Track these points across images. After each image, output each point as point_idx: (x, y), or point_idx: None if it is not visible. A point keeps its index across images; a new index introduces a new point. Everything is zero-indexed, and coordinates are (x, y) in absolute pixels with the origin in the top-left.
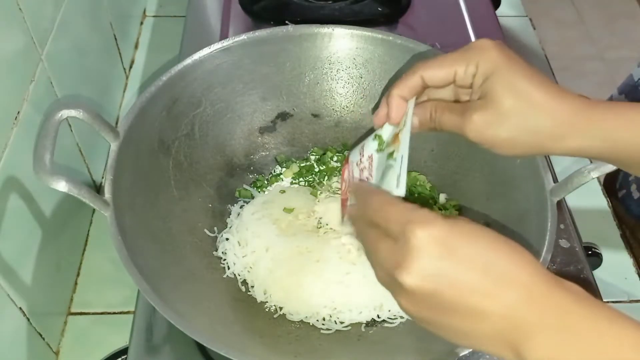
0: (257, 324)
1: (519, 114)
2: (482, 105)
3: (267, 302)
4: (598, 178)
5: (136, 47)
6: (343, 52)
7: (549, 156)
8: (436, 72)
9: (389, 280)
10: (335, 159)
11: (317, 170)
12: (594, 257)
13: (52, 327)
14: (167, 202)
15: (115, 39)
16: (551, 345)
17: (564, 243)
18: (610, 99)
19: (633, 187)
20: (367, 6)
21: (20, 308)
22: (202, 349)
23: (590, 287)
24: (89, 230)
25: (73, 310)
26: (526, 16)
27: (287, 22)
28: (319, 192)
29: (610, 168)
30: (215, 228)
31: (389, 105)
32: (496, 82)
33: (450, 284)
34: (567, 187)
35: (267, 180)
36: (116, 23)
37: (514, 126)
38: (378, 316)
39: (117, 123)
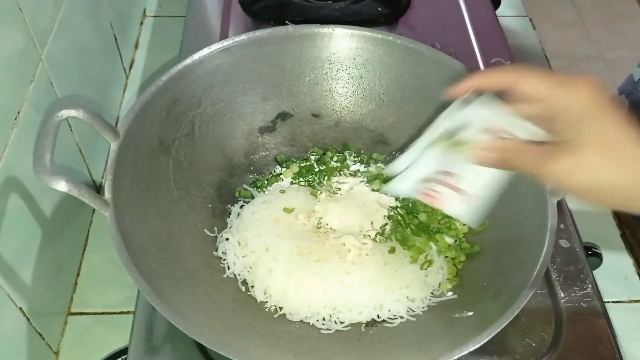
0: (257, 324)
1: (602, 166)
2: (564, 152)
3: (267, 302)
4: None
5: (136, 47)
6: (343, 52)
7: None
8: (536, 82)
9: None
10: (335, 159)
11: (317, 170)
12: (594, 257)
13: (52, 327)
14: (167, 202)
15: (115, 39)
16: None
17: (564, 243)
18: None
19: None
20: (367, 6)
21: (20, 308)
22: (202, 349)
23: (590, 287)
24: (89, 230)
25: (73, 310)
26: (526, 16)
27: (287, 22)
28: (319, 192)
29: None
30: (215, 228)
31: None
32: (584, 131)
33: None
34: None
35: (267, 180)
36: (116, 23)
37: (594, 179)
38: (378, 316)
39: (117, 123)
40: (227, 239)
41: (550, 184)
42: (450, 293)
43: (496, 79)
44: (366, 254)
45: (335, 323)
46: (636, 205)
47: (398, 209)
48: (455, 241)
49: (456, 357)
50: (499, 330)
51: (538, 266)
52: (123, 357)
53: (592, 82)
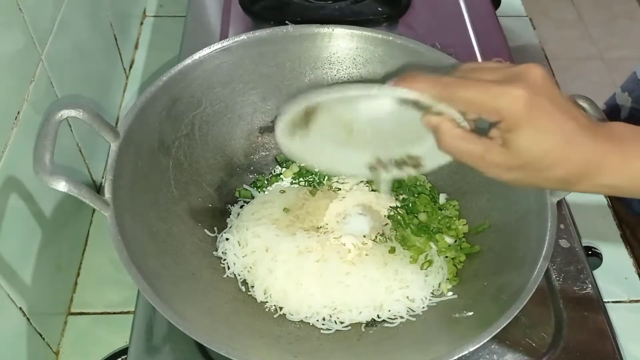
0: (257, 324)
1: (539, 168)
2: (505, 153)
3: (267, 302)
4: None
5: (136, 47)
6: (343, 52)
7: None
8: (461, 107)
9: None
10: None
11: (317, 170)
12: (594, 257)
13: (52, 327)
14: (167, 202)
15: (115, 39)
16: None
17: (564, 243)
18: (614, 96)
19: None
20: (367, 6)
21: (20, 308)
22: (202, 349)
23: (590, 287)
24: (89, 230)
25: (73, 310)
26: (526, 16)
27: (287, 22)
28: (318, 192)
29: None
30: (215, 228)
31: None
32: (520, 137)
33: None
34: None
35: (267, 180)
36: (116, 23)
37: (532, 176)
38: (378, 316)
39: (117, 123)
40: (227, 239)
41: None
42: (450, 293)
43: (429, 91)
44: (366, 254)
45: (335, 323)
46: (568, 190)
47: (398, 209)
48: (455, 241)
49: (456, 357)
50: (499, 330)
51: (538, 266)
52: (123, 357)
53: (520, 90)
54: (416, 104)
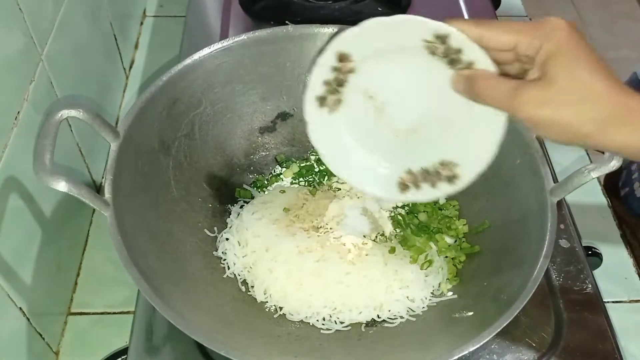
0: (257, 324)
1: (577, 99)
2: (540, 85)
3: (267, 302)
4: (598, 178)
5: (136, 47)
6: None
7: (549, 156)
8: (499, 36)
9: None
10: None
11: (317, 170)
12: (594, 257)
13: (52, 327)
14: (167, 202)
15: (115, 39)
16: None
17: (564, 243)
18: None
19: (636, 185)
20: (367, 6)
21: (20, 308)
22: (202, 349)
23: (590, 287)
24: (89, 230)
25: (73, 310)
26: (526, 16)
27: (287, 22)
28: (318, 192)
29: (610, 168)
30: (215, 228)
31: None
32: (558, 64)
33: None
34: (567, 187)
35: (267, 180)
36: (116, 23)
37: (569, 110)
38: (378, 316)
39: (117, 123)
40: (227, 239)
41: (516, 118)
42: (450, 293)
43: (464, 26)
44: (366, 254)
45: (335, 323)
46: (591, 144)
47: (398, 209)
48: (455, 241)
49: (456, 357)
50: (499, 330)
51: (538, 266)
52: (123, 357)
53: (561, 21)
54: (447, 58)
